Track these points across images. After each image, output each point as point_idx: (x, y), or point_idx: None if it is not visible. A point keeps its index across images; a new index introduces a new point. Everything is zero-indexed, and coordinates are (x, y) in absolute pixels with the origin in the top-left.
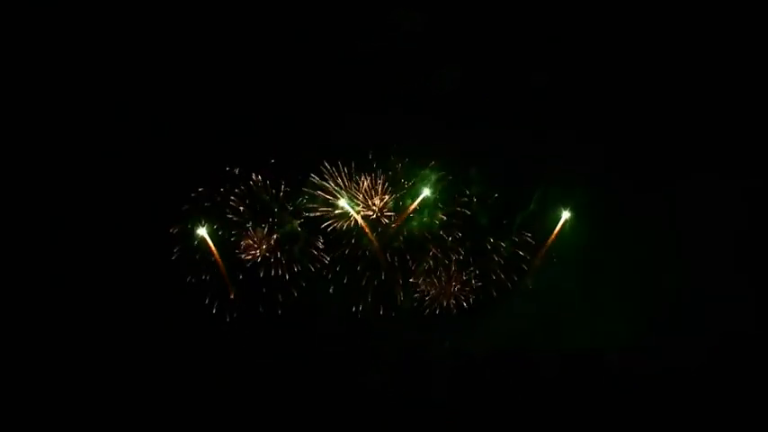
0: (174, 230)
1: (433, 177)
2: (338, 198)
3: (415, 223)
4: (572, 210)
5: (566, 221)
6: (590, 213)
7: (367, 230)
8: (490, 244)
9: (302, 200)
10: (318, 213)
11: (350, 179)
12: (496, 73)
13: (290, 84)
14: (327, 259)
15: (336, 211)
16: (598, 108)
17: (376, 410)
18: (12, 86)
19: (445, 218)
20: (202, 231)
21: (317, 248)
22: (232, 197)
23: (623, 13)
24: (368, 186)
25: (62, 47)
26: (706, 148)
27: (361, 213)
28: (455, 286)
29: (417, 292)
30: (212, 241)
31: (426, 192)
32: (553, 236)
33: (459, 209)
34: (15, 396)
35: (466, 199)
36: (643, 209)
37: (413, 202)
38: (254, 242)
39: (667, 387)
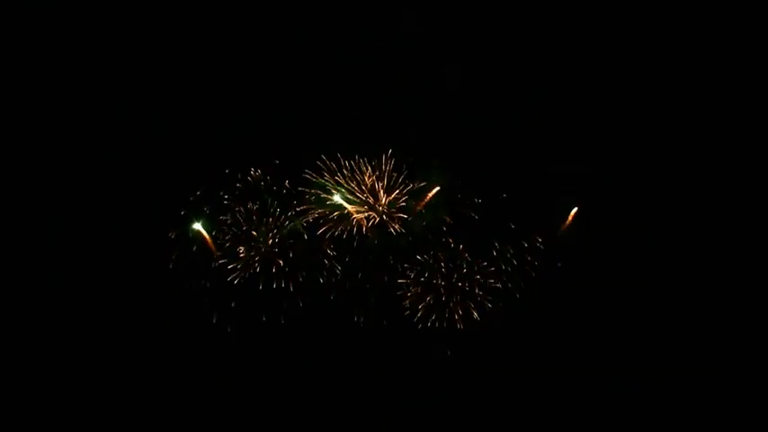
0: (172, 235)
1: (441, 175)
2: (338, 196)
3: (419, 225)
4: (578, 205)
5: (575, 215)
6: (589, 213)
7: (370, 234)
8: (496, 250)
9: (310, 197)
10: (317, 215)
11: (351, 178)
12: (496, 73)
13: (290, 84)
14: (339, 269)
15: (336, 213)
16: (598, 108)
17: (376, 414)
18: (11, 89)
19: (450, 221)
20: (197, 226)
21: (328, 256)
22: (227, 195)
23: (623, 14)
24: (371, 184)
25: (61, 49)
26: (705, 149)
27: (365, 215)
28: (458, 295)
29: (408, 298)
30: (210, 243)
31: (437, 188)
32: (565, 225)
33: (464, 211)
34: (13, 405)
35: (470, 201)
36: (642, 209)
37: (418, 201)
38: (254, 246)
39: (667, 386)
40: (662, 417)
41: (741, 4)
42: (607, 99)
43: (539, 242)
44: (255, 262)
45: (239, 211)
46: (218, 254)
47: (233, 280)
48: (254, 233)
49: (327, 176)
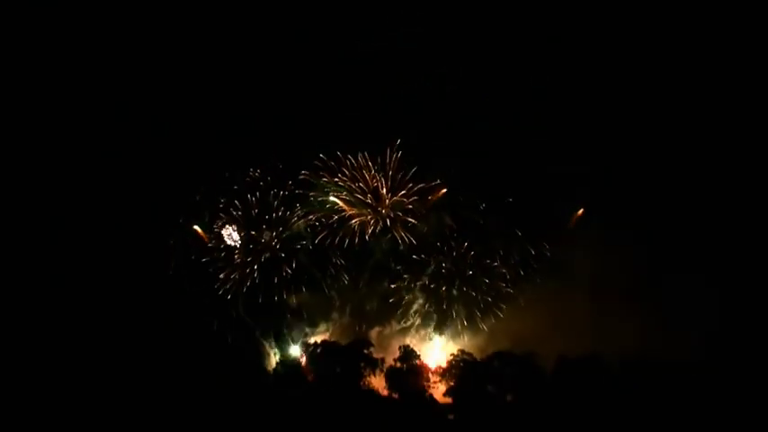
0: (172, 242)
1: (443, 177)
2: (336, 198)
3: (421, 229)
4: (581, 206)
5: (578, 217)
6: (590, 213)
7: (372, 239)
8: (499, 256)
9: (314, 199)
10: (322, 218)
11: (353, 178)
12: (496, 73)
13: (290, 84)
14: (346, 279)
15: (337, 217)
16: (598, 108)
17: (376, 416)
18: (11, 92)
19: (454, 225)
20: (196, 227)
21: (333, 264)
22: (223, 199)
23: (623, 14)
24: (373, 185)
25: (60, 52)
26: (705, 149)
27: (367, 218)
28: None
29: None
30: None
31: (444, 190)
32: (569, 227)
33: (468, 215)
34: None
35: (473, 204)
36: (642, 209)
37: (422, 204)
38: (253, 249)
39: (666, 385)
40: (663, 417)
41: (741, 4)
42: (607, 99)
43: (546, 248)
44: (254, 270)
45: (238, 213)
46: (215, 255)
47: (230, 290)
48: (254, 233)
49: (327, 177)
